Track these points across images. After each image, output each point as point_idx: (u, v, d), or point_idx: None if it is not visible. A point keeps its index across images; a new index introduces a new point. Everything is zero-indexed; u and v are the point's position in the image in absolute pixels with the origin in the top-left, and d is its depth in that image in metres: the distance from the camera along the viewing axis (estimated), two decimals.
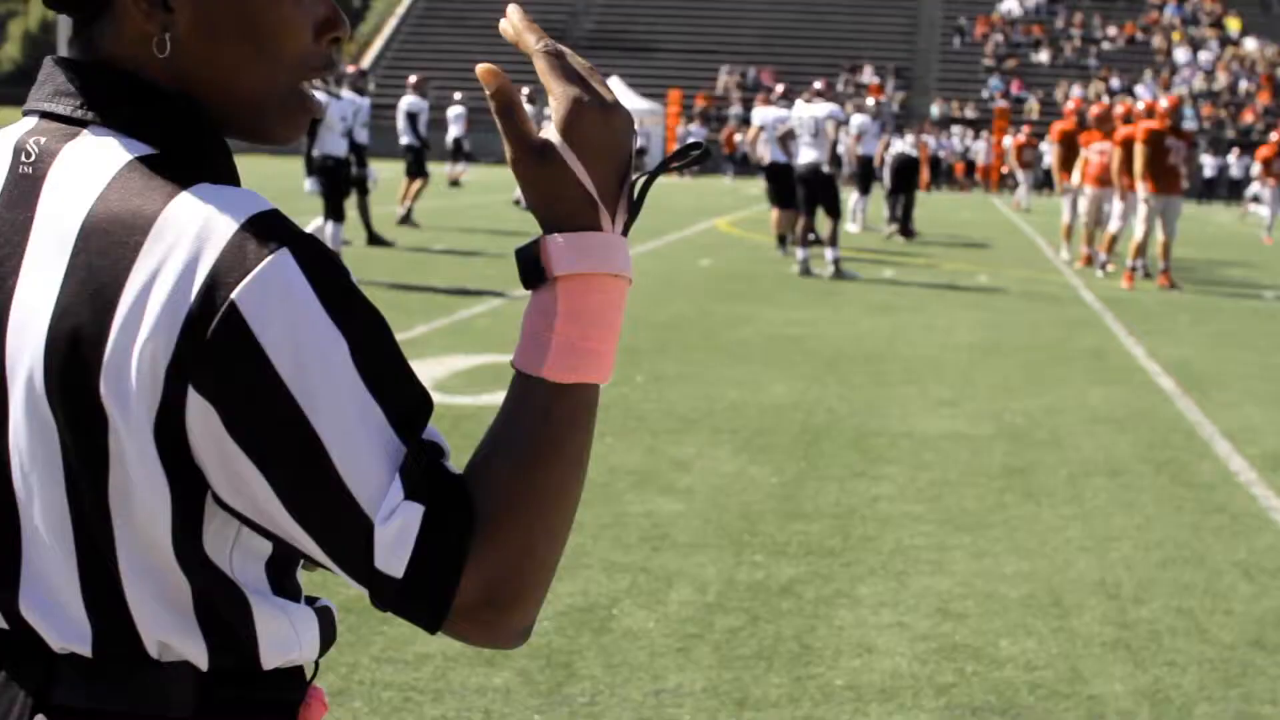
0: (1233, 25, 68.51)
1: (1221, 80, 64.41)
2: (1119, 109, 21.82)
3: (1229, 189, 55.55)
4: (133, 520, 1.40)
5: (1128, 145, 19.31)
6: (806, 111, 18.55)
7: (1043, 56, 67.08)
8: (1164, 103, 19.56)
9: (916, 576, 6.25)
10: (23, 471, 1.43)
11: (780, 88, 22.57)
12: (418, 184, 23.19)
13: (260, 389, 1.33)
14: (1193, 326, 15.07)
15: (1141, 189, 18.94)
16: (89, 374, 1.35)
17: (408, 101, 22.85)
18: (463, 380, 10.20)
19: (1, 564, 1.47)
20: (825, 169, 18.41)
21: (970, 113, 61.75)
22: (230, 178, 1.47)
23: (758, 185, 23.55)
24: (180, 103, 1.46)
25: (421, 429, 1.40)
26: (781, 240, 21.72)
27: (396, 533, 1.34)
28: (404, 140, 23.03)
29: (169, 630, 1.45)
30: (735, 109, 62.25)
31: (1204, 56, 66.45)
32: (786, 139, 19.77)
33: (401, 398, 1.39)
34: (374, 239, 20.10)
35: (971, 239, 26.96)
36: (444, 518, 1.36)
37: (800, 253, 18.62)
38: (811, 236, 19.14)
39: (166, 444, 1.36)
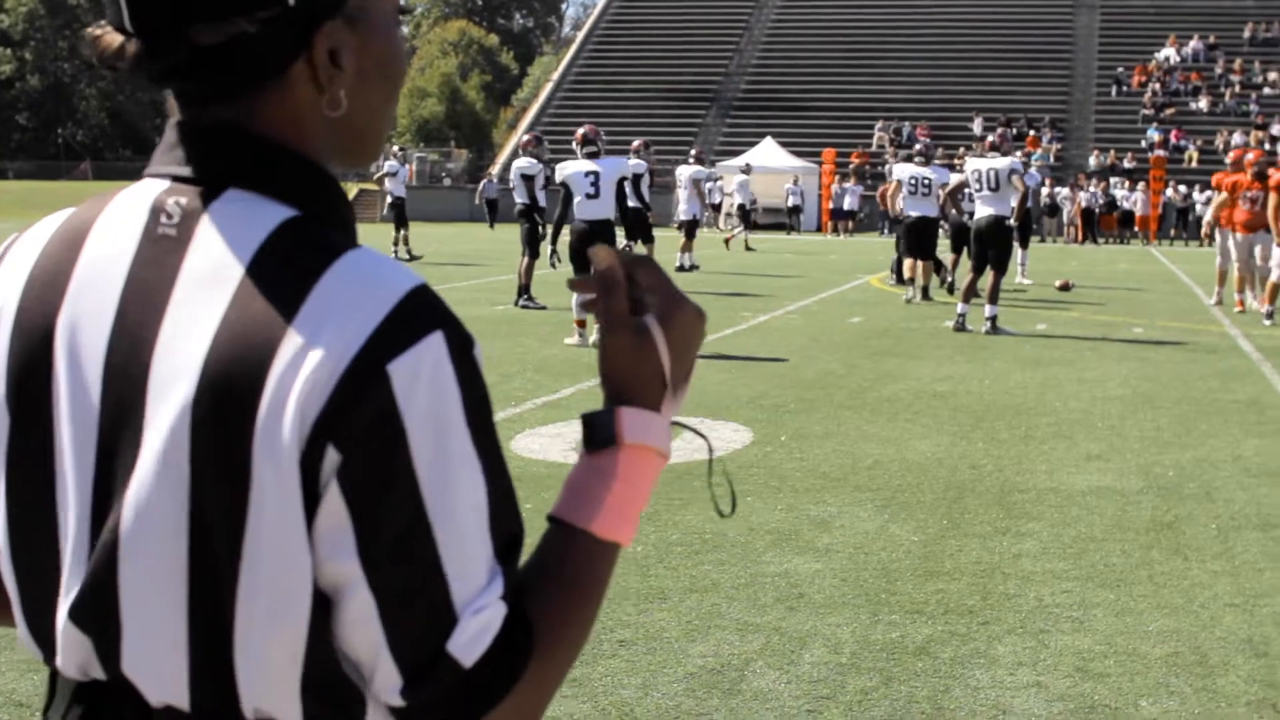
0: None
1: None
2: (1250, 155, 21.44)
3: None
4: (261, 582, 1.40)
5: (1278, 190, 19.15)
6: (984, 165, 18.30)
7: (1202, 104, 66.13)
8: None
9: (1056, 635, 6.14)
10: (137, 524, 1.42)
11: (918, 145, 23.08)
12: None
13: (388, 460, 1.37)
14: None
15: None
16: (242, 427, 1.37)
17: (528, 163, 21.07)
18: None
19: (102, 621, 1.46)
20: (1010, 222, 18.25)
21: (1128, 163, 61.00)
22: (353, 231, 1.54)
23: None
24: (307, 164, 1.51)
25: (518, 552, 1.47)
26: (923, 290, 22.83)
27: (482, 625, 1.40)
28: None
29: (271, 697, 1.44)
30: (891, 164, 61.94)
31: None
32: (956, 194, 19.98)
33: (507, 517, 1.45)
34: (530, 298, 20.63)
35: (1129, 289, 26.58)
36: (519, 630, 1.43)
37: (961, 307, 18.44)
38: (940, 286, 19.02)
39: (309, 506, 1.38)
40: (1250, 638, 6.13)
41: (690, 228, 29.87)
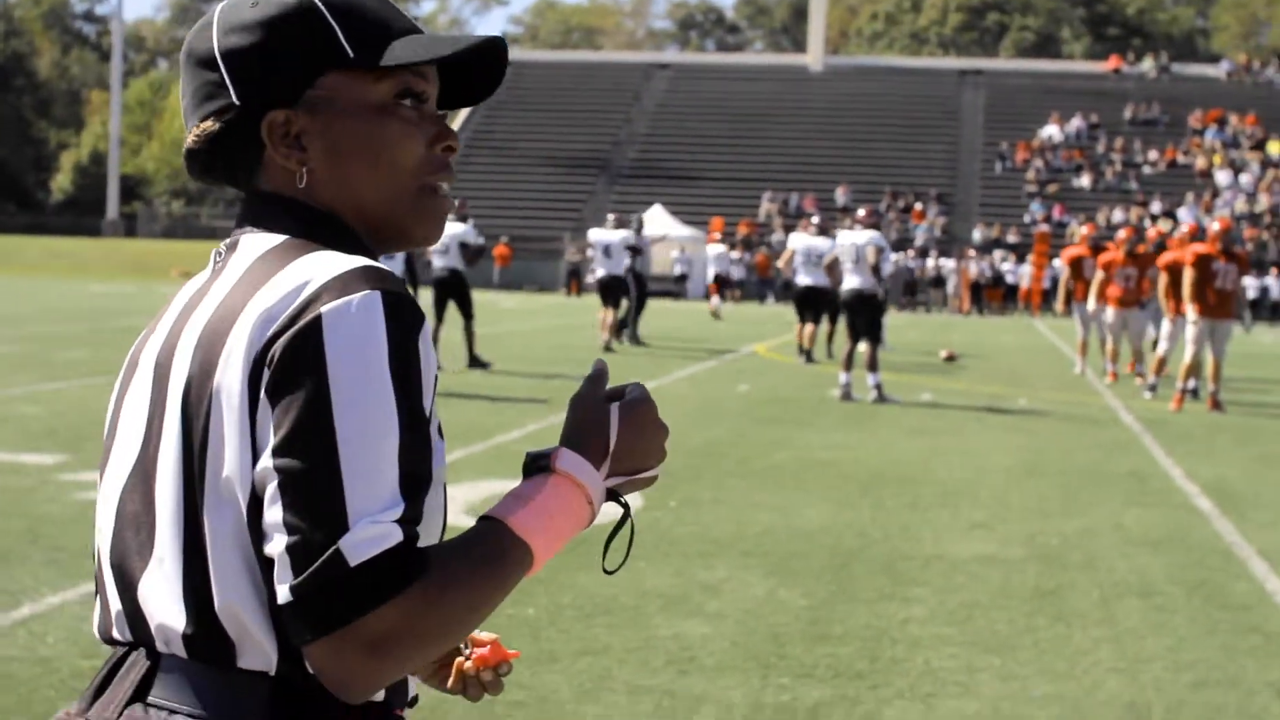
0: (1274, 148, 68.59)
1: (1263, 202, 64.43)
2: (1151, 233, 22.23)
3: (1272, 310, 55.62)
4: (223, 508, 1.67)
5: (1173, 270, 19.57)
6: (849, 239, 18.67)
7: (1084, 181, 67.26)
8: (1215, 226, 19.56)
9: (944, 699, 6.21)
10: (161, 476, 1.74)
11: (816, 219, 24.72)
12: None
13: (305, 376, 1.63)
14: (1233, 447, 15.00)
15: (1190, 312, 18.95)
16: (211, 366, 1.69)
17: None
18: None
19: (136, 561, 1.75)
20: (866, 293, 18.44)
21: (1012, 237, 61.89)
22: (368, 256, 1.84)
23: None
24: (330, 218, 1.85)
25: (422, 496, 1.66)
26: (806, 354, 24.48)
27: (376, 535, 1.60)
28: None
29: (245, 625, 1.67)
30: (778, 235, 62.55)
31: (1245, 179, 66.52)
32: (834, 266, 20.35)
33: (416, 459, 1.66)
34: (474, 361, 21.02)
35: (1012, 362, 26.92)
36: (413, 555, 1.62)
37: (843, 377, 18.62)
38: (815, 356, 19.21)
39: (251, 433, 1.66)
40: (1132, 702, 6.23)
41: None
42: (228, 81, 1.84)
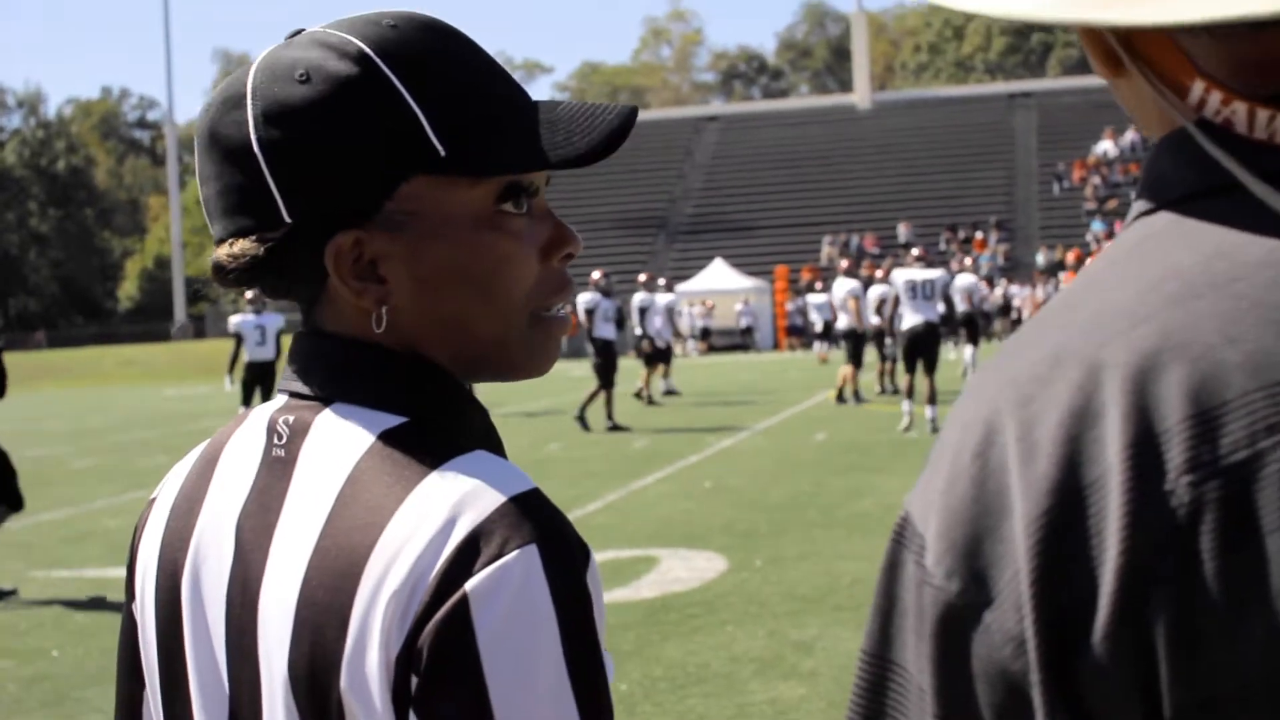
0: None
1: None
2: None
3: None
4: None
5: None
6: (917, 275, 19.56)
7: None
8: None
9: None
10: None
11: (844, 263, 28.18)
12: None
13: (463, 701, 1.19)
14: None
15: None
16: (330, 667, 1.25)
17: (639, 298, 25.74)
18: None
19: None
20: (935, 325, 19.43)
21: (1074, 258, 61.55)
22: (485, 435, 1.40)
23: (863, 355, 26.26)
24: (420, 366, 1.37)
25: None
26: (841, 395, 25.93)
27: None
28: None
29: None
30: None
31: None
32: (882, 306, 21.51)
33: None
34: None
35: None
36: None
37: (906, 405, 19.73)
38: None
39: None
40: None
41: (666, 354, 29.48)
42: (274, 192, 1.33)
